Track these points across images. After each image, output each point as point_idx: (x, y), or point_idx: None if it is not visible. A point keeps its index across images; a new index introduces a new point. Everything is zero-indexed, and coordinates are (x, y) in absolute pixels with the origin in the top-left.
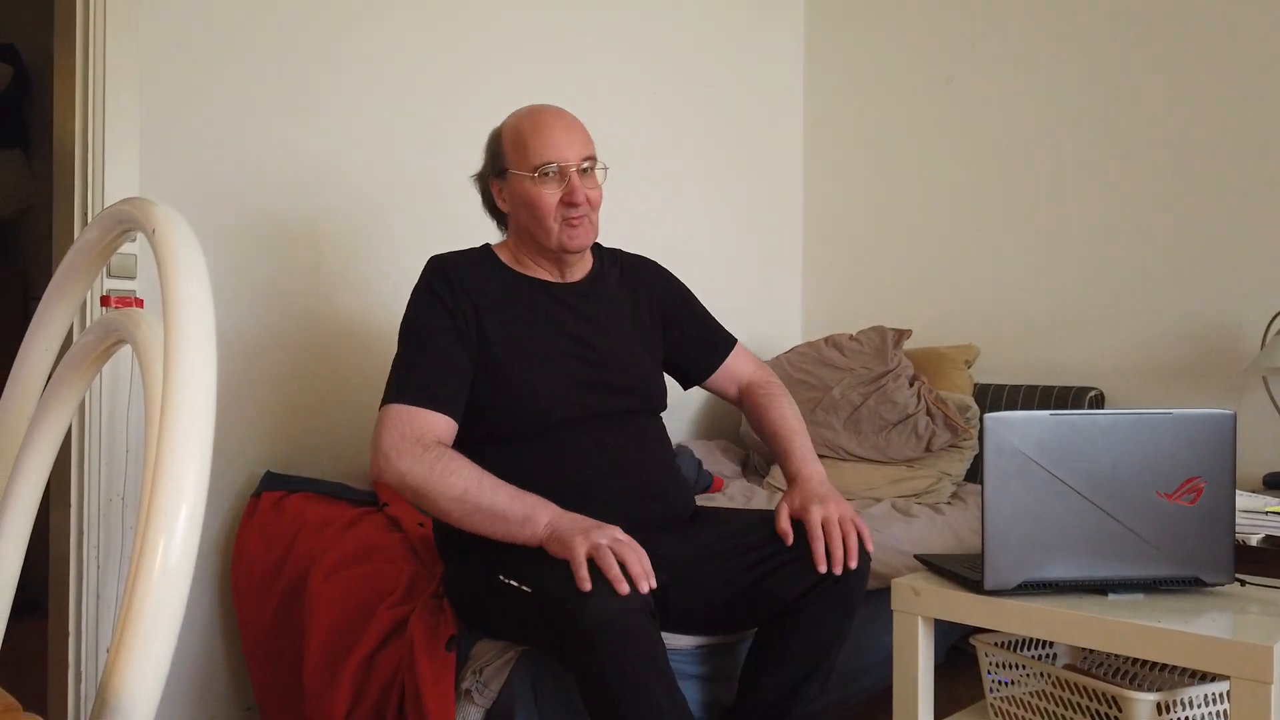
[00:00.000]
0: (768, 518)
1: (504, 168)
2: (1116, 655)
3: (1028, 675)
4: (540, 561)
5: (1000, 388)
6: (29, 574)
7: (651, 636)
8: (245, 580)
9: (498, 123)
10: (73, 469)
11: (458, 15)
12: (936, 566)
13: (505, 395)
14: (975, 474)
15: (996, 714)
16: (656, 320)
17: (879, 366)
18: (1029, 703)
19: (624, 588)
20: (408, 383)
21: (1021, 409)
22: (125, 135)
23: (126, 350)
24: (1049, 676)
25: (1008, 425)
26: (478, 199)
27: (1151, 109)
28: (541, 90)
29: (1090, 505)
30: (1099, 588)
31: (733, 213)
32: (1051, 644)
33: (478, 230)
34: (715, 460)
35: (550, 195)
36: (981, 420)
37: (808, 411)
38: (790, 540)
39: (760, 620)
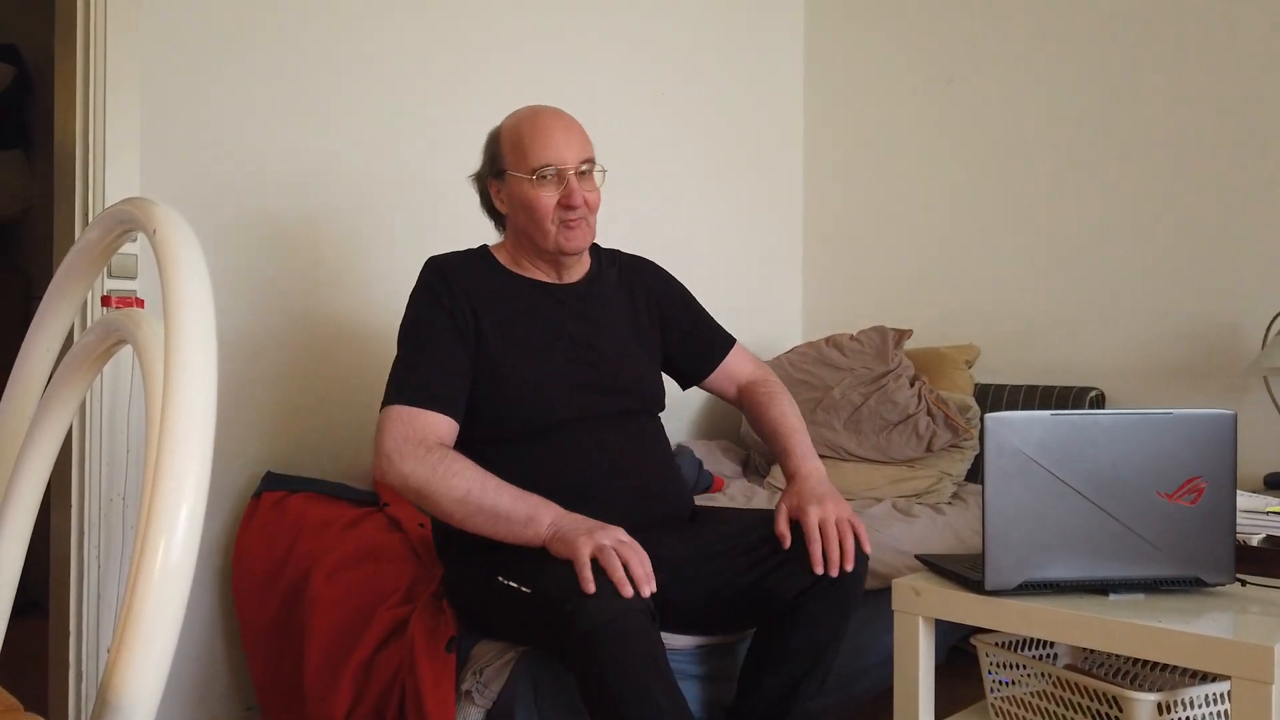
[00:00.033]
0: (766, 517)
1: (502, 169)
2: (1117, 655)
3: (1028, 675)
4: (539, 562)
5: (1001, 388)
6: (30, 574)
7: (651, 637)
8: (246, 580)
9: (497, 123)
10: (73, 469)
11: (458, 15)
12: (937, 567)
13: (503, 396)
14: (976, 474)
15: (997, 714)
16: (655, 321)
17: (880, 366)
18: (1030, 703)
19: (628, 590)
20: (408, 384)
21: (1022, 409)
22: (126, 135)
23: (127, 350)
24: (1050, 677)
25: (1008, 425)
26: (477, 199)
27: (1151, 109)
28: (541, 90)
29: (1091, 505)
30: (1100, 588)
31: (733, 213)
32: (1052, 644)
33: (478, 230)
34: (716, 460)
35: (548, 198)
36: (982, 420)
37: (808, 412)
38: (788, 544)
39: (759, 620)
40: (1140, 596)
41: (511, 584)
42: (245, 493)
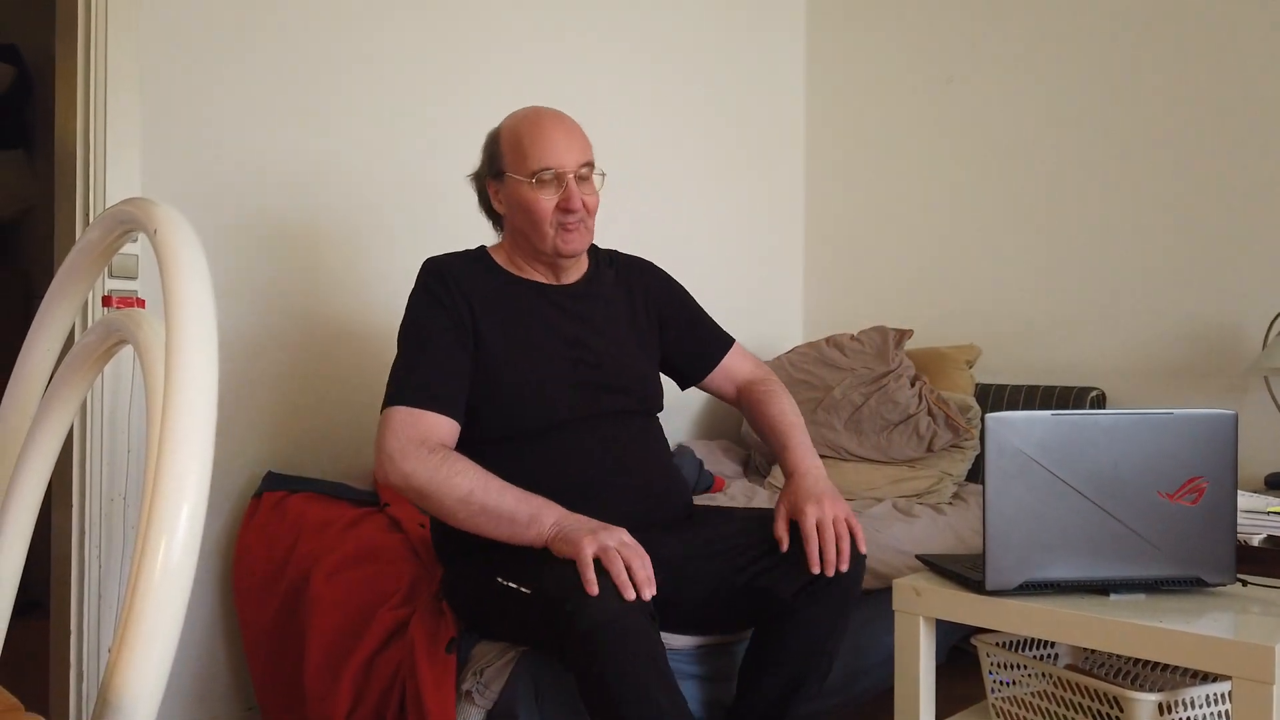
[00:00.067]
0: (764, 516)
1: (501, 170)
2: (1118, 655)
3: (1029, 675)
4: (539, 563)
5: (1001, 388)
6: (31, 574)
7: (651, 637)
8: (247, 580)
9: (497, 123)
10: (74, 469)
11: (458, 15)
12: (938, 567)
13: (505, 396)
14: (977, 474)
15: (998, 714)
16: (653, 321)
17: (880, 366)
18: (1030, 703)
19: (630, 594)
20: (408, 384)
21: (1023, 409)
22: (127, 135)
23: (128, 350)
24: (1050, 677)
25: (1009, 425)
26: (476, 199)
27: (1151, 109)
28: (541, 90)
29: (1092, 505)
30: (1100, 588)
31: (733, 213)
32: (1053, 644)
33: (477, 231)
34: (716, 460)
35: (547, 201)
36: (983, 420)
37: (809, 411)
38: (786, 547)
39: (757, 619)
40: (1141, 596)
41: (511, 584)
42: (246, 493)
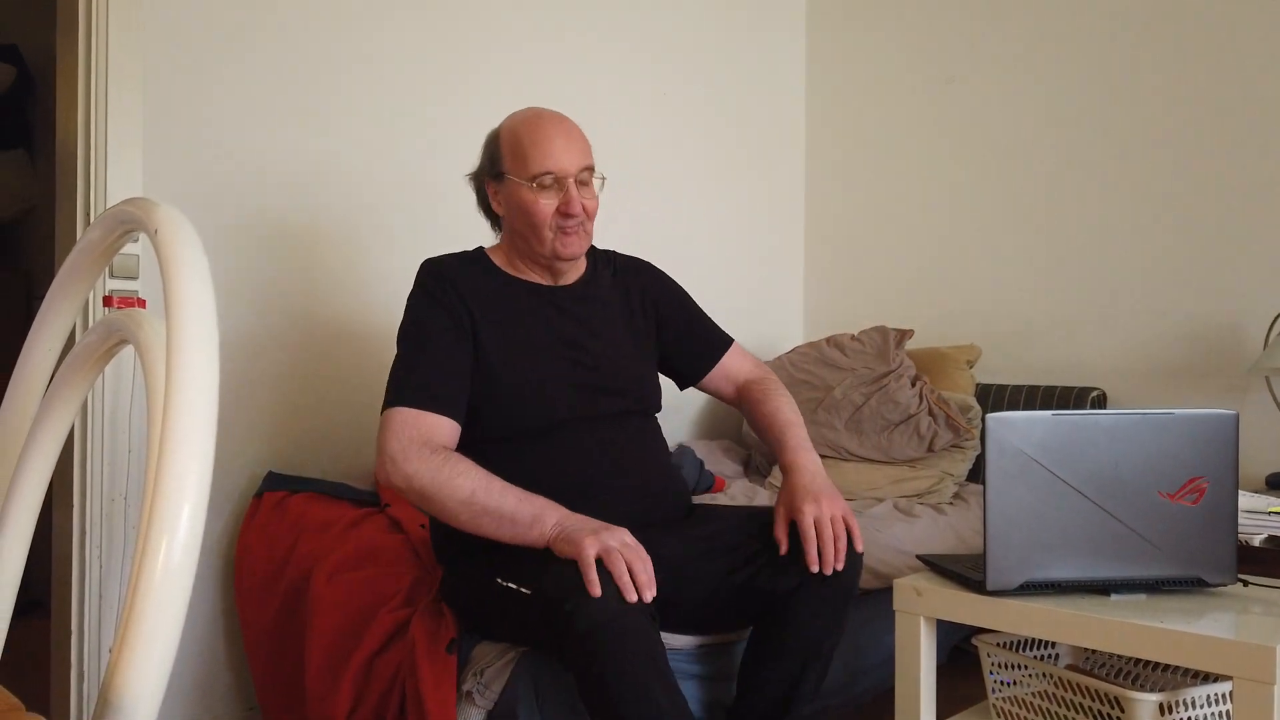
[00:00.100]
0: (763, 515)
1: (501, 171)
2: (1119, 656)
3: (1030, 676)
4: (539, 563)
5: (1002, 388)
6: (31, 574)
7: (651, 636)
8: (248, 580)
9: (497, 123)
10: (75, 469)
11: (458, 15)
12: (938, 567)
13: (504, 396)
14: (977, 474)
15: (999, 714)
16: (650, 321)
17: (881, 366)
18: (1031, 703)
19: (631, 595)
20: (408, 384)
21: (1023, 409)
22: (128, 135)
23: (129, 350)
24: (1051, 677)
25: (1010, 425)
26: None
27: (1151, 109)
28: (541, 90)
29: (1092, 505)
30: (1101, 588)
31: (733, 213)
32: (1053, 644)
33: (477, 231)
34: (717, 460)
35: (547, 204)
36: (983, 420)
37: (809, 412)
38: (785, 549)
39: (755, 617)
40: (1142, 597)
41: (511, 585)
42: (246, 493)
